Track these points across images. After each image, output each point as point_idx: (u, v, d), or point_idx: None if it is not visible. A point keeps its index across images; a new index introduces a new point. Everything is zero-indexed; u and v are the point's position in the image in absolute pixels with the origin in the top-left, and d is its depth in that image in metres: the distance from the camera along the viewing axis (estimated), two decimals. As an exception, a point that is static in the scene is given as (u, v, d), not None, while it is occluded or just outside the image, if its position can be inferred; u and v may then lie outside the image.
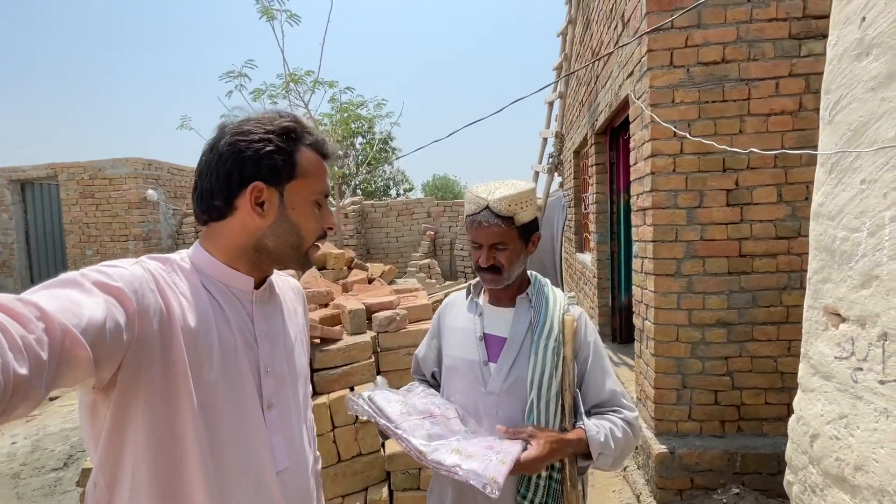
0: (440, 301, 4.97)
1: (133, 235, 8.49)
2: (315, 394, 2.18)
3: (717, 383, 2.56)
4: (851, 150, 1.09)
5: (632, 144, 2.94)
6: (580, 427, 1.05)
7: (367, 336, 2.40)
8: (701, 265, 2.53)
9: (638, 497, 2.70)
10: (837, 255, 1.19)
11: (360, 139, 16.13)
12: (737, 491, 2.39)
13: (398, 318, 2.50)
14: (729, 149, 1.73)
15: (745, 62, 2.44)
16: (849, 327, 1.15)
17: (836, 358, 1.20)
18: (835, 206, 1.21)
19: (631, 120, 2.94)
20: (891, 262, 0.96)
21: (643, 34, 2.53)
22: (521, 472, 0.94)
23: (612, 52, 3.34)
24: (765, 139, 2.42)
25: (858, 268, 1.08)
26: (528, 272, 1.21)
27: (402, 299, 2.84)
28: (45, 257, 9.28)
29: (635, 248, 2.93)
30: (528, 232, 1.12)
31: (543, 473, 1.04)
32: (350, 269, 3.74)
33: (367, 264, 3.99)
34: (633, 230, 2.95)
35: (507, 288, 1.17)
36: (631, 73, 2.88)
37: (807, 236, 2.43)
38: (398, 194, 18.83)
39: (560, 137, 5.21)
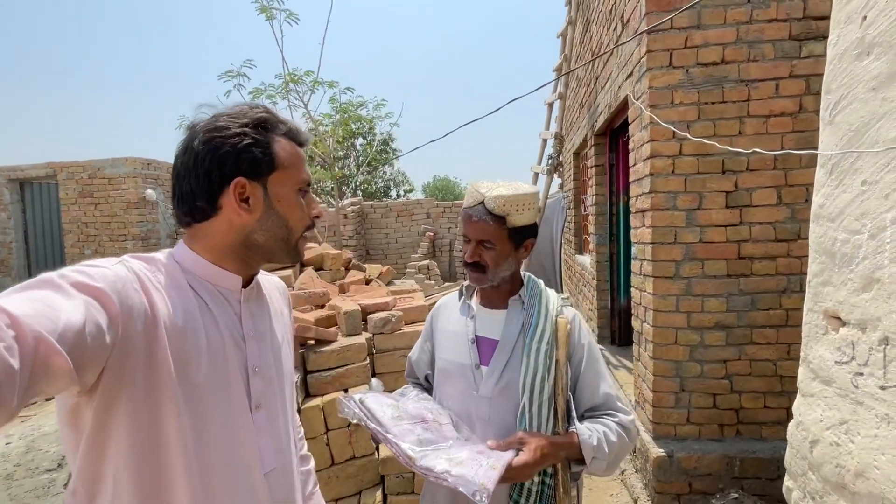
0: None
1: (132, 235, 8.47)
2: (308, 396, 2.15)
3: (716, 387, 2.53)
4: (855, 150, 1.07)
5: (631, 146, 2.93)
6: (573, 431, 1.03)
7: (363, 337, 2.38)
8: (700, 267, 2.51)
9: (636, 501, 2.68)
10: (838, 258, 1.17)
11: (360, 140, 16.14)
12: (735, 496, 2.37)
13: (394, 319, 2.48)
14: (731, 149, 1.71)
15: (745, 63, 2.42)
16: (849, 331, 1.13)
17: (836, 362, 1.18)
18: (835, 207, 1.19)
19: (630, 121, 2.92)
20: (892, 265, 0.94)
21: (642, 33, 2.51)
22: (512, 479, 0.92)
23: (611, 53, 3.33)
24: (764, 141, 2.40)
25: (859, 271, 1.06)
26: (522, 273, 1.19)
27: (399, 301, 2.82)
28: (43, 256, 9.26)
29: (634, 249, 2.91)
30: (521, 236, 1.10)
31: (536, 479, 1.02)
32: (347, 269, 3.72)
33: (365, 265, 3.97)
34: (632, 232, 2.93)
35: (499, 289, 1.15)
36: (630, 74, 2.87)
37: (807, 239, 2.41)
38: (398, 195, 18.82)
39: (559, 139, 5.20)
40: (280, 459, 0.84)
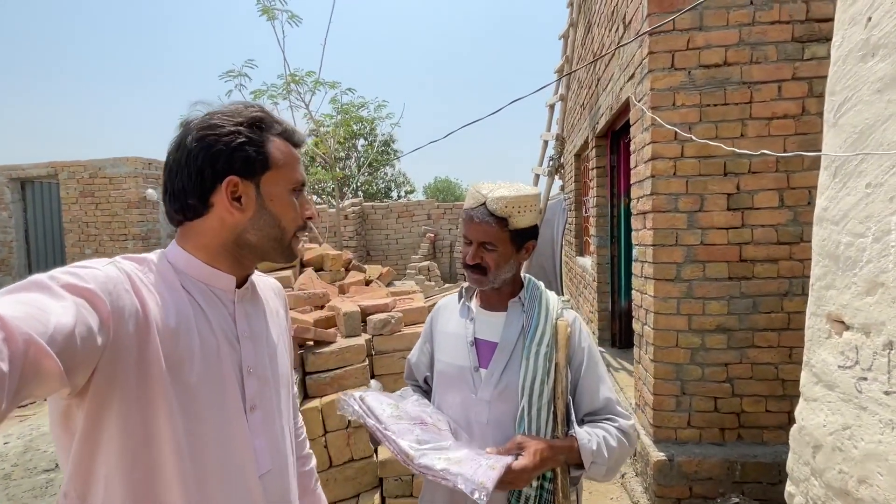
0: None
1: (132, 235, 8.47)
2: (307, 397, 2.14)
3: (717, 390, 2.52)
4: (860, 153, 1.06)
5: (632, 147, 2.92)
6: (572, 435, 1.01)
7: (362, 339, 2.37)
8: (701, 270, 2.50)
9: (636, 505, 2.66)
10: (841, 261, 1.16)
11: (361, 141, 16.15)
12: (736, 500, 2.35)
13: (393, 321, 2.47)
14: (738, 150, 1.70)
15: (748, 65, 2.41)
16: (853, 335, 1.12)
17: (839, 367, 1.17)
18: (839, 210, 1.18)
19: (632, 123, 2.91)
20: (897, 269, 0.93)
21: (644, 35, 2.51)
22: (511, 482, 0.90)
23: (613, 55, 3.32)
24: (767, 143, 2.39)
25: (863, 274, 1.05)
26: (522, 275, 1.18)
27: (399, 302, 2.81)
28: (44, 256, 9.27)
29: (635, 251, 2.89)
30: (523, 238, 1.09)
31: (535, 483, 1.00)
32: (347, 270, 3.71)
33: (365, 266, 3.96)
34: (633, 234, 2.92)
35: (498, 292, 1.13)
36: (632, 76, 2.86)
37: (809, 242, 2.40)
38: (399, 196, 18.83)
39: (561, 140, 5.19)
40: (276, 461, 0.83)
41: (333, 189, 7.69)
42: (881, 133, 1.00)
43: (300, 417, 0.99)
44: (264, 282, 0.96)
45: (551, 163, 5.19)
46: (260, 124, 0.78)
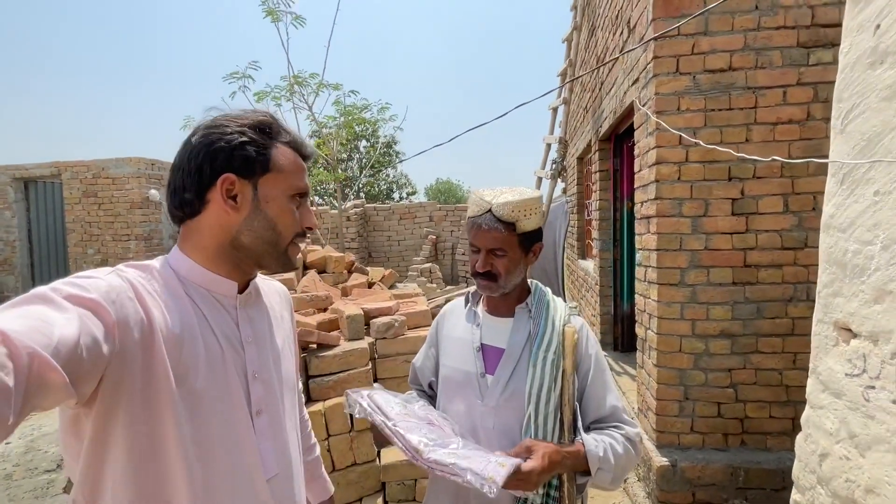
0: (440, 306, 4.93)
1: (135, 235, 8.48)
2: (310, 401, 2.14)
3: (721, 395, 2.51)
4: (868, 160, 1.05)
5: (636, 151, 2.91)
6: (578, 441, 1.01)
7: (365, 342, 2.36)
8: (705, 275, 2.49)
9: (638, 510, 2.65)
10: (849, 269, 1.15)
11: (363, 143, 16.17)
12: (740, 506, 2.34)
13: (397, 324, 2.47)
14: (745, 156, 1.69)
15: (753, 70, 2.41)
16: (860, 343, 1.11)
17: (846, 375, 1.16)
18: (846, 217, 1.18)
19: (636, 127, 2.91)
20: (906, 278, 0.93)
21: (649, 40, 2.50)
22: (519, 483, 0.89)
23: (617, 59, 3.32)
24: (771, 148, 2.39)
25: (871, 282, 1.05)
26: (529, 281, 1.18)
27: (402, 305, 2.80)
28: (46, 256, 9.28)
29: (638, 256, 2.89)
30: (530, 241, 1.09)
31: (540, 491, 1.00)
32: (350, 272, 3.71)
33: (368, 268, 3.96)
34: (637, 238, 2.91)
35: (506, 297, 1.13)
36: (636, 80, 2.86)
37: (813, 247, 2.40)
38: (401, 198, 18.85)
39: (564, 143, 5.19)
40: (283, 465, 0.84)
41: (335, 190, 7.70)
42: (890, 141, 0.99)
43: (305, 409, 0.99)
44: (269, 285, 0.96)
45: (554, 166, 5.19)
46: (267, 129, 0.79)
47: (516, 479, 0.86)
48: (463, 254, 10.15)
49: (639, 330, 2.91)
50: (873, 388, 1.04)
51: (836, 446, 1.17)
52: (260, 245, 0.80)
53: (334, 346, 2.27)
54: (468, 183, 24.65)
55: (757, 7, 2.39)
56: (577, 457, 0.98)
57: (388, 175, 18.49)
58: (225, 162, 0.75)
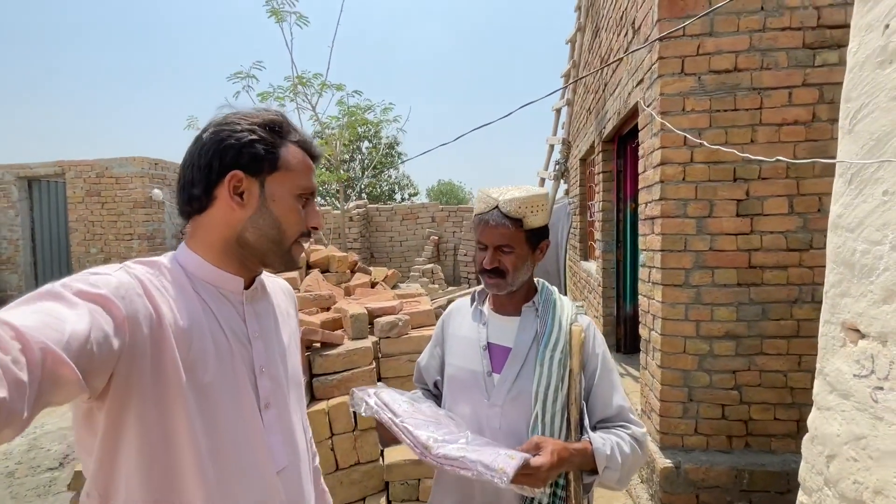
0: (442, 307, 4.93)
1: (137, 234, 8.51)
2: (314, 399, 2.14)
3: (725, 397, 2.50)
4: (877, 160, 1.05)
5: (640, 152, 2.91)
6: (586, 439, 1.01)
7: (369, 341, 2.36)
8: (710, 276, 2.49)
9: (641, 512, 2.64)
10: (857, 269, 1.15)
11: (366, 143, 16.19)
12: (744, 509, 2.33)
13: (400, 323, 2.46)
14: (751, 156, 1.69)
15: (758, 71, 2.41)
16: (869, 344, 1.11)
17: (854, 375, 1.15)
18: (854, 217, 1.17)
19: (640, 128, 2.91)
20: (916, 278, 0.92)
21: (654, 41, 2.50)
22: (528, 478, 0.88)
23: (621, 59, 3.32)
24: (777, 149, 2.38)
25: (880, 282, 1.04)
26: (536, 280, 1.18)
27: (405, 304, 2.80)
28: (49, 254, 9.31)
29: (643, 257, 2.88)
30: (537, 238, 1.09)
31: (547, 490, 0.99)
32: (353, 272, 3.71)
33: (371, 268, 3.96)
34: (641, 239, 2.91)
35: (512, 296, 1.13)
36: (641, 81, 2.85)
37: (818, 249, 2.40)
38: (403, 199, 18.85)
39: (567, 144, 5.18)
40: (291, 457, 0.85)
41: (338, 191, 7.71)
42: (900, 140, 0.99)
43: (310, 431, 1.00)
44: (274, 283, 0.97)
45: (557, 167, 5.20)
46: (277, 127, 0.80)
47: (525, 474, 0.86)
48: (465, 254, 10.14)
49: (642, 331, 2.91)
50: (882, 388, 1.04)
51: (844, 448, 1.16)
52: (264, 243, 0.80)
53: (338, 345, 2.27)
54: (470, 184, 24.65)
55: (763, 8, 2.39)
56: (584, 455, 0.97)
57: (390, 176, 18.51)
58: (234, 159, 0.76)
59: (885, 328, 1.03)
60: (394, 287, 4.17)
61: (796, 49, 2.38)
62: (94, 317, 0.59)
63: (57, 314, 0.56)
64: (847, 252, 1.19)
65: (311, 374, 2.17)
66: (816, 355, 1.38)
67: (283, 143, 0.80)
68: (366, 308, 2.53)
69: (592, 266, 5.33)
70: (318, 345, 2.26)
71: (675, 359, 2.53)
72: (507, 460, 0.84)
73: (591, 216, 5.81)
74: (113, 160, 8.54)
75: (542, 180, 5.30)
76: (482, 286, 1.20)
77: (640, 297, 2.97)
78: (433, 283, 8.57)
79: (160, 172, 8.80)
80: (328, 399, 2.13)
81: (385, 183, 18.53)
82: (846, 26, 2.32)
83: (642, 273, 2.89)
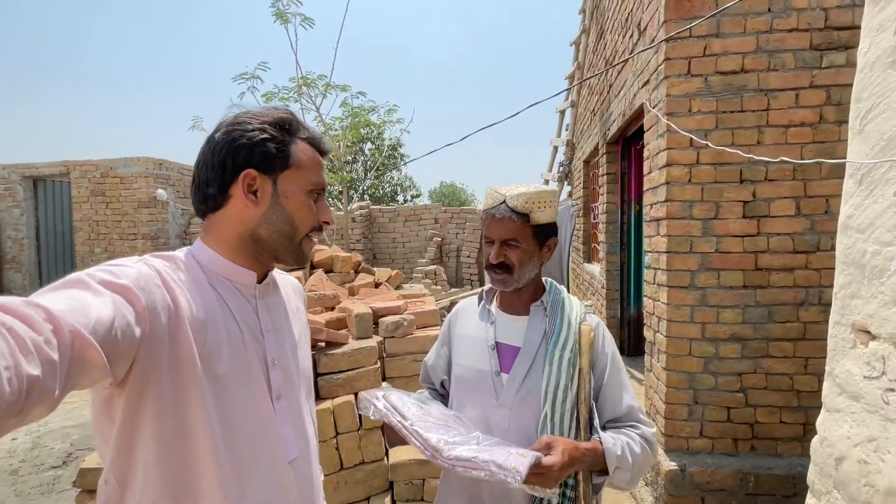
0: (445, 308, 4.92)
1: (141, 234, 8.54)
2: (319, 398, 2.14)
3: (731, 400, 2.49)
4: (889, 160, 1.04)
5: (646, 154, 2.90)
6: (596, 439, 1.00)
7: (374, 341, 2.36)
8: (716, 278, 2.48)
9: (646, 515, 2.63)
10: (867, 270, 1.14)
11: (368, 145, 16.22)
12: (749, 512, 2.32)
13: (405, 323, 2.46)
14: (756, 157, 1.68)
15: (765, 72, 2.40)
16: (880, 345, 1.10)
17: (864, 377, 1.15)
18: (865, 218, 1.17)
19: (646, 129, 2.90)
20: (931, 278, 0.91)
21: (661, 42, 2.50)
22: (539, 478, 0.88)
23: (626, 61, 3.31)
24: (784, 150, 2.37)
25: (891, 283, 1.04)
26: (544, 279, 1.17)
27: (410, 305, 2.80)
28: (53, 253, 9.35)
29: (648, 258, 2.88)
30: (545, 234, 1.09)
31: (557, 490, 0.99)
32: (357, 272, 3.71)
33: (374, 269, 3.96)
34: (646, 241, 2.90)
35: (520, 294, 1.13)
36: (647, 82, 2.85)
37: (826, 251, 2.39)
38: (405, 200, 18.87)
39: (571, 146, 5.18)
40: (302, 448, 0.87)
41: (340, 192, 7.72)
42: (913, 140, 0.98)
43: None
44: (284, 279, 0.99)
45: (561, 168, 5.19)
46: (287, 125, 0.82)
47: (536, 473, 0.86)
48: (468, 256, 10.14)
49: (647, 333, 2.90)
50: (893, 390, 1.03)
51: (854, 450, 1.15)
52: (277, 238, 0.82)
53: (343, 344, 2.27)
54: (472, 186, 24.65)
55: (770, 9, 2.38)
56: (595, 455, 0.97)
57: (392, 177, 18.53)
58: (246, 158, 0.78)
59: (896, 329, 1.02)
60: (397, 288, 4.16)
61: (803, 50, 2.37)
62: (117, 305, 0.62)
63: (83, 301, 0.58)
64: (857, 253, 1.18)
65: (315, 374, 2.17)
66: (823, 358, 1.37)
67: (293, 140, 0.82)
68: (370, 308, 2.53)
69: (596, 268, 5.33)
70: (323, 344, 2.26)
71: (680, 361, 2.52)
72: (519, 459, 0.83)
73: (594, 218, 5.80)
74: (117, 160, 8.58)
75: (546, 182, 5.30)
76: (489, 285, 1.19)
77: (644, 298, 2.96)
78: (436, 285, 8.57)
79: (164, 172, 8.84)
80: (333, 398, 2.13)
81: (387, 184, 18.55)
82: (854, 28, 2.31)
83: (647, 275, 2.88)
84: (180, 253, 0.81)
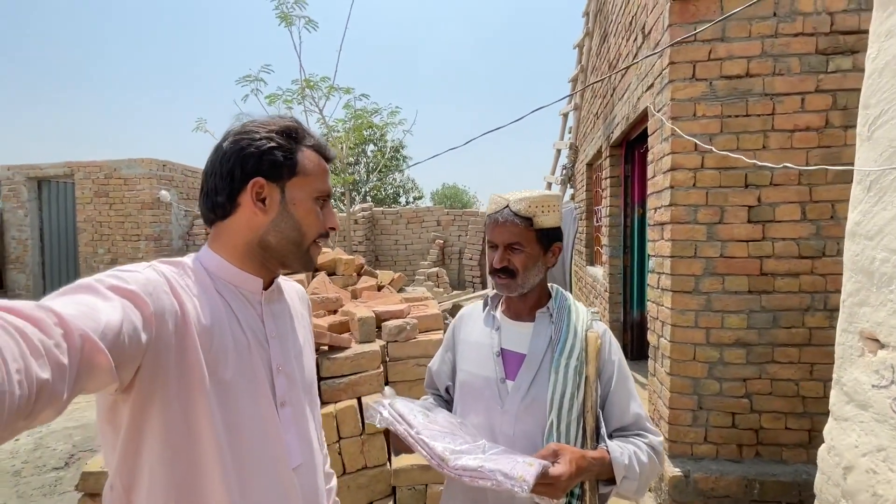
0: (448, 310, 4.91)
1: (145, 235, 8.56)
2: (322, 403, 2.13)
3: (735, 405, 2.47)
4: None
5: (650, 158, 2.90)
6: (603, 448, 0.99)
7: (377, 345, 2.36)
8: (720, 283, 2.47)
9: (649, 521, 2.61)
10: (876, 278, 1.13)
11: (371, 146, 16.24)
12: (754, 519, 2.30)
13: (409, 327, 2.46)
14: (759, 163, 1.67)
15: (770, 77, 2.39)
16: (889, 354, 1.09)
17: (873, 386, 1.13)
18: (873, 225, 1.15)
19: (650, 133, 2.90)
20: (943, 288, 0.90)
21: (666, 47, 2.49)
22: (546, 488, 0.86)
23: (630, 65, 3.31)
24: (789, 155, 2.36)
25: (902, 292, 1.02)
26: (550, 286, 1.16)
27: (413, 308, 2.79)
28: (57, 254, 9.38)
29: (651, 263, 2.86)
30: (549, 239, 1.08)
31: (563, 500, 0.98)
32: (359, 275, 3.70)
33: (377, 271, 3.95)
34: (650, 245, 2.89)
35: (525, 301, 1.12)
36: (651, 86, 2.84)
37: (831, 256, 2.37)
38: (407, 202, 18.88)
39: (574, 149, 5.18)
40: (306, 455, 0.88)
41: (343, 194, 7.73)
42: (923, 148, 0.97)
43: (322, 432, 1.00)
44: (289, 286, 0.99)
45: (564, 171, 5.18)
46: (293, 134, 0.83)
47: (543, 483, 0.85)
48: (470, 258, 10.13)
49: (651, 337, 2.88)
50: (903, 400, 1.02)
51: (863, 459, 1.14)
52: (285, 245, 0.83)
53: (346, 348, 2.27)
54: (474, 188, 24.64)
55: (775, 13, 2.37)
56: (602, 464, 0.95)
57: (394, 179, 18.54)
58: (255, 166, 0.79)
59: (906, 338, 1.01)
60: (400, 291, 4.16)
61: (809, 55, 2.36)
62: (126, 311, 0.62)
63: (93, 306, 0.59)
64: (866, 260, 1.17)
65: (318, 378, 2.16)
66: (829, 364, 1.36)
67: (299, 148, 0.84)
68: (373, 311, 2.53)
69: (599, 271, 5.31)
70: (326, 348, 2.25)
71: (684, 366, 2.51)
72: (525, 468, 0.83)
73: (597, 221, 5.79)
74: (121, 161, 8.61)
75: (549, 185, 5.30)
76: (494, 291, 1.19)
77: (648, 303, 2.94)
78: (438, 287, 8.57)
79: (168, 174, 8.86)
80: (336, 402, 2.12)
81: (390, 186, 18.56)
82: (860, 32, 2.30)
83: (651, 279, 2.87)
84: (188, 259, 0.81)
